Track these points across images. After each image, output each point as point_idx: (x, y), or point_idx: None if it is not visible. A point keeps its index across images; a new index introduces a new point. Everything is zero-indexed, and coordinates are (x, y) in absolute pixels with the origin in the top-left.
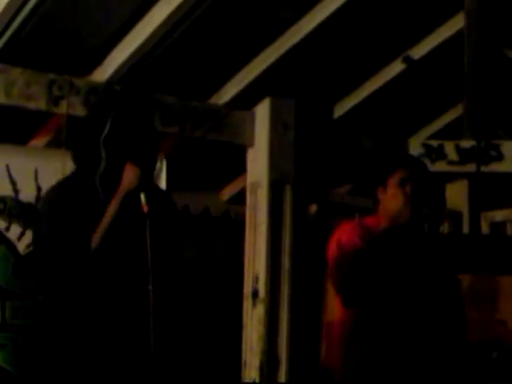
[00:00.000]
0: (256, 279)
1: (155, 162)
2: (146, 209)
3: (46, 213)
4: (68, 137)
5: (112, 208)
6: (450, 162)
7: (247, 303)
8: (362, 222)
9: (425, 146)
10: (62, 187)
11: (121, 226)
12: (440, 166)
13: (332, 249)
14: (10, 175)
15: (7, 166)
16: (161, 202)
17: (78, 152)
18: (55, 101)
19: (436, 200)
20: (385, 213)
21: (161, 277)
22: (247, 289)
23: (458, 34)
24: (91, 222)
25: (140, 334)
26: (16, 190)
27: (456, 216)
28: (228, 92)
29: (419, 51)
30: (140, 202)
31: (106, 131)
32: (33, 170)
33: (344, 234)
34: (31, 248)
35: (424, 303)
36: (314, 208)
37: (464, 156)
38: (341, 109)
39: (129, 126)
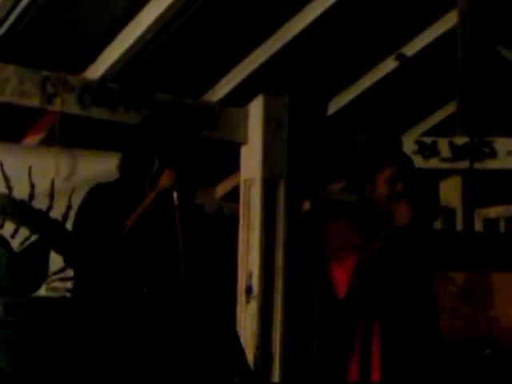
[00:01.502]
0: (249, 276)
1: (193, 167)
2: (176, 202)
3: (90, 204)
4: (62, 134)
5: (146, 201)
6: (444, 159)
7: (241, 300)
8: (351, 219)
9: (418, 142)
10: (107, 186)
11: (152, 217)
12: (433, 163)
13: (331, 243)
14: (3, 172)
15: (0, 164)
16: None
17: (128, 159)
18: (49, 98)
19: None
20: (374, 209)
21: (191, 268)
22: (241, 286)
23: (452, 32)
24: (131, 211)
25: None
26: (9, 188)
27: (449, 213)
28: (222, 89)
29: (412, 48)
30: (173, 199)
31: (154, 138)
32: (26, 168)
33: (338, 228)
34: (25, 245)
35: (414, 302)
36: (307, 205)
37: (457, 153)
38: (334, 106)
39: (173, 133)
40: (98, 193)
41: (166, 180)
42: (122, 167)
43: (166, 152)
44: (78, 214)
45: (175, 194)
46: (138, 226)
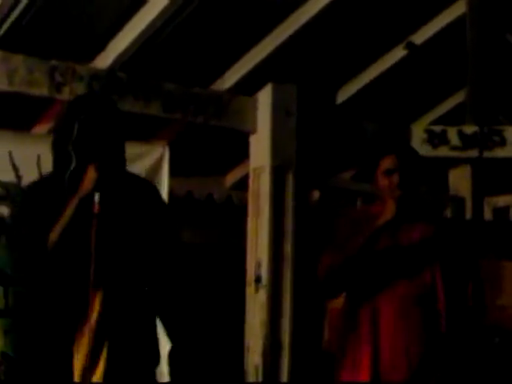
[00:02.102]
0: (258, 265)
1: (119, 162)
2: (96, 208)
3: (18, 208)
4: None
5: (69, 209)
6: (453, 148)
7: (250, 289)
8: (366, 211)
9: (427, 131)
10: (36, 186)
11: (77, 226)
12: (443, 152)
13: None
14: (12, 162)
15: (10, 153)
16: (133, 199)
17: (53, 153)
18: (58, 87)
19: (438, 185)
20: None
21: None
22: (250, 274)
23: (461, 20)
24: (54, 220)
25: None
26: (18, 177)
27: (459, 201)
28: (230, 78)
29: (421, 37)
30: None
31: (74, 135)
32: (35, 157)
33: (345, 219)
34: None
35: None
36: (316, 194)
37: (467, 141)
38: (343, 95)
39: (94, 129)
40: (27, 196)
41: (87, 183)
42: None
43: (85, 148)
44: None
45: (96, 197)
46: (62, 239)
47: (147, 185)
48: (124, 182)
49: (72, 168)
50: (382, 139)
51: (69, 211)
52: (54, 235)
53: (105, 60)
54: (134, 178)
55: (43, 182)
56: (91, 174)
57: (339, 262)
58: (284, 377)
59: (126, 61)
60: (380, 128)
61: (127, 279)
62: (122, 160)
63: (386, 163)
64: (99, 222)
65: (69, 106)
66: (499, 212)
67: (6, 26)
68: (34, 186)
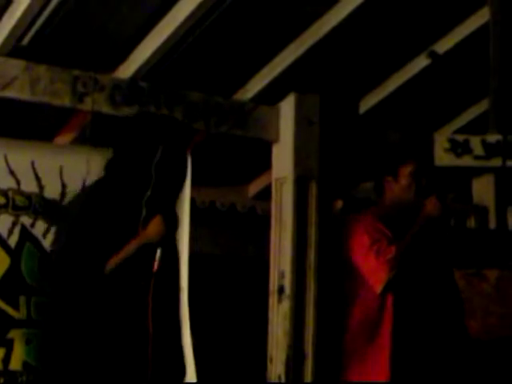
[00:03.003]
0: (282, 275)
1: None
2: (156, 266)
3: (76, 217)
4: (93, 133)
5: (127, 251)
6: (476, 157)
7: (273, 299)
8: (374, 213)
9: (450, 140)
10: (97, 196)
11: (129, 271)
12: (466, 161)
13: (363, 238)
14: (34, 172)
15: (32, 163)
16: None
17: (128, 173)
18: (80, 97)
19: (462, 195)
20: (392, 202)
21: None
22: (273, 285)
23: (484, 28)
24: (118, 239)
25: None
26: (41, 187)
27: (482, 211)
28: (253, 87)
29: (444, 46)
30: (155, 255)
31: (157, 157)
32: (58, 167)
33: (367, 223)
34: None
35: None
36: (339, 204)
37: (490, 150)
38: (366, 104)
39: (177, 159)
40: (89, 209)
41: (153, 233)
42: (111, 169)
43: (165, 176)
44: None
45: (158, 253)
46: (116, 272)
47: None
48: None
49: (149, 194)
50: (404, 144)
51: (127, 252)
52: (112, 262)
53: (127, 70)
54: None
55: (102, 192)
56: (159, 226)
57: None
58: None
59: (148, 70)
60: (403, 137)
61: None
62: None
63: (411, 167)
64: (156, 279)
65: (151, 127)
66: None
67: (29, 35)
68: (94, 199)
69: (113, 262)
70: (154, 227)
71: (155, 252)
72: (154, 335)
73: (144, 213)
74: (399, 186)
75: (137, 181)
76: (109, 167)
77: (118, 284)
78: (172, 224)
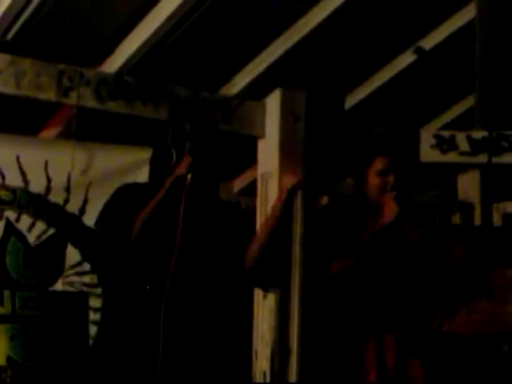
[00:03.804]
0: None
1: (214, 159)
2: (188, 182)
3: (114, 204)
4: (78, 128)
5: (159, 194)
6: (462, 153)
7: (258, 294)
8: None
9: (436, 136)
10: (136, 186)
11: (169, 206)
12: (451, 157)
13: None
14: (19, 166)
15: (17, 157)
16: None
17: (158, 160)
18: (65, 92)
19: (447, 191)
20: (368, 202)
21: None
22: None
23: (470, 24)
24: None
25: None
26: (26, 181)
27: (468, 207)
28: (239, 83)
29: (431, 42)
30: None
31: (188, 145)
32: (43, 161)
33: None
34: (42, 239)
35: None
36: (325, 199)
37: (476, 147)
38: (352, 99)
39: (204, 128)
40: (124, 192)
41: (182, 166)
42: (151, 163)
43: (197, 147)
44: (102, 212)
45: (189, 176)
46: (153, 216)
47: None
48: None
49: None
50: (375, 140)
51: (162, 191)
52: (145, 212)
53: (113, 64)
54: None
55: (139, 185)
56: (186, 159)
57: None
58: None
59: (134, 65)
60: (389, 133)
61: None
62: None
63: (380, 163)
64: (187, 198)
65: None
66: (508, 218)
67: (14, 29)
68: (127, 187)
69: (147, 209)
70: (182, 163)
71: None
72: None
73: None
74: (368, 186)
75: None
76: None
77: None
78: (201, 159)
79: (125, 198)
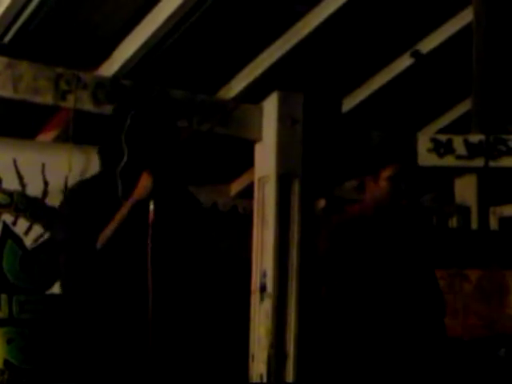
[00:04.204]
0: (264, 274)
1: (175, 168)
2: (151, 218)
3: (63, 207)
4: (75, 131)
5: (121, 214)
6: (459, 157)
7: (255, 298)
8: (351, 213)
9: (433, 140)
10: (84, 183)
11: (128, 232)
12: (448, 161)
13: (325, 242)
14: (17, 169)
15: (14, 160)
16: (181, 206)
17: (102, 148)
18: (62, 95)
19: (444, 195)
20: (373, 202)
21: (167, 279)
22: (255, 283)
23: (467, 28)
24: (105, 217)
25: (140, 331)
26: (23, 185)
27: (464, 211)
28: (236, 86)
29: (428, 45)
30: (148, 210)
31: (126, 128)
32: (40, 165)
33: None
34: (38, 242)
35: (399, 294)
36: (322, 203)
37: (472, 150)
38: (349, 103)
39: (148, 123)
40: (74, 194)
41: (141, 189)
42: (100, 160)
43: (137, 143)
44: (55, 220)
45: (151, 206)
46: (113, 239)
47: (191, 195)
48: (174, 190)
49: (123, 163)
50: (387, 146)
51: (121, 214)
52: (104, 235)
53: (110, 67)
54: (182, 188)
55: (92, 179)
56: (146, 182)
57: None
58: None
59: (131, 68)
60: (386, 137)
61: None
62: (174, 168)
63: (391, 170)
64: (153, 231)
65: (120, 103)
66: (505, 221)
67: (12, 32)
68: (81, 183)
69: (107, 232)
70: (142, 183)
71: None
72: (154, 292)
73: (119, 182)
74: (378, 188)
75: (111, 154)
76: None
77: (118, 250)
78: (162, 178)
79: (75, 202)
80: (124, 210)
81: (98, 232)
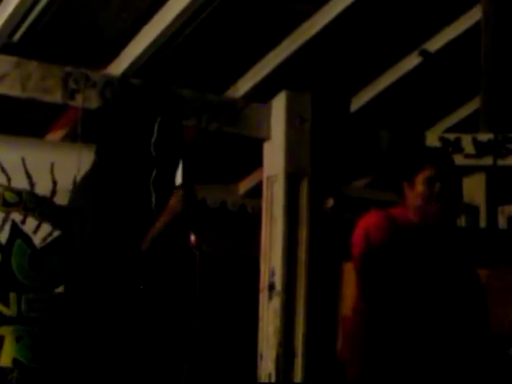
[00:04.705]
0: (272, 273)
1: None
2: (194, 242)
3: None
4: (84, 130)
5: (159, 224)
6: (467, 156)
7: (263, 296)
8: (389, 214)
9: (442, 139)
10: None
11: (167, 240)
12: (457, 160)
13: (360, 244)
14: (25, 168)
15: (23, 160)
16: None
17: (122, 151)
18: (71, 94)
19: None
20: (412, 208)
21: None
22: (263, 282)
23: (475, 27)
24: (141, 221)
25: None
26: (32, 184)
27: (473, 210)
28: (244, 85)
29: (436, 44)
30: (188, 232)
31: (155, 135)
32: (49, 164)
33: (372, 229)
34: (47, 241)
35: (444, 300)
36: (330, 202)
37: (481, 149)
38: (357, 102)
39: (176, 132)
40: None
41: (175, 202)
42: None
43: (170, 151)
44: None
45: (192, 237)
46: (154, 246)
47: None
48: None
49: (155, 173)
50: (423, 148)
51: (159, 225)
52: (147, 240)
53: (119, 66)
54: None
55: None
56: (180, 199)
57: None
58: None
59: (140, 67)
60: (394, 136)
61: None
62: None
63: (428, 172)
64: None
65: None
66: None
67: (20, 31)
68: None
69: (149, 237)
70: (175, 200)
71: (184, 228)
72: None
73: (153, 193)
74: (415, 193)
75: (139, 163)
76: (99, 155)
77: (158, 261)
78: (193, 198)
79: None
80: (162, 221)
81: (137, 232)
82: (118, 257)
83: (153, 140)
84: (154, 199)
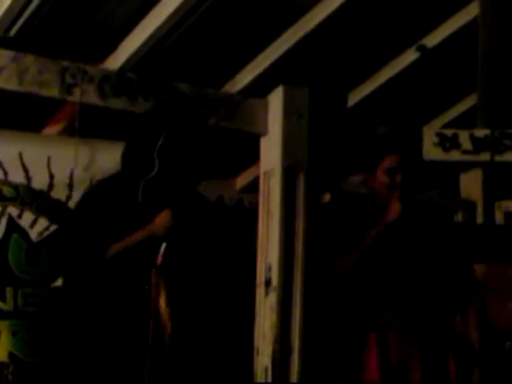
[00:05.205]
0: (269, 268)
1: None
2: (159, 260)
3: (79, 208)
4: (81, 125)
5: (135, 238)
6: (464, 151)
7: (260, 291)
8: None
9: (439, 134)
10: (102, 186)
11: (138, 258)
12: (454, 155)
13: None
14: (22, 162)
15: (20, 154)
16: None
17: (130, 154)
18: (68, 88)
19: (450, 189)
20: (374, 199)
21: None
22: (260, 277)
23: (473, 23)
24: (120, 223)
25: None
26: (28, 178)
27: (470, 206)
28: (242, 80)
29: (433, 39)
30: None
31: (161, 141)
32: (46, 158)
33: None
34: (44, 235)
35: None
36: (327, 196)
37: (478, 145)
38: (355, 97)
39: (181, 145)
40: (93, 195)
41: (159, 226)
42: (123, 158)
43: (168, 159)
44: (75, 214)
45: (162, 249)
46: (119, 256)
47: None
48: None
49: (153, 174)
50: (387, 139)
51: (133, 239)
52: (114, 248)
53: (116, 61)
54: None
55: (110, 182)
56: (166, 220)
57: (349, 264)
58: (294, 380)
59: (137, 61)
60: (391, 131)
61: None
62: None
63: (389, 162)
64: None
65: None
66: (510, 216)
67: (17, 25)
68: (99, 185)
69: (115, 248)
70: (161, 220)
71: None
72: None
73: (140, 193)
74: (377, 182)
75: (140, 166)
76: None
77: (119, 271)
78: (182, 219)
79: (95, 201)
80: (136, 238)
81: (111, 237)
82: (90, 254)
83: (158, 145)
84: (140, 200)
